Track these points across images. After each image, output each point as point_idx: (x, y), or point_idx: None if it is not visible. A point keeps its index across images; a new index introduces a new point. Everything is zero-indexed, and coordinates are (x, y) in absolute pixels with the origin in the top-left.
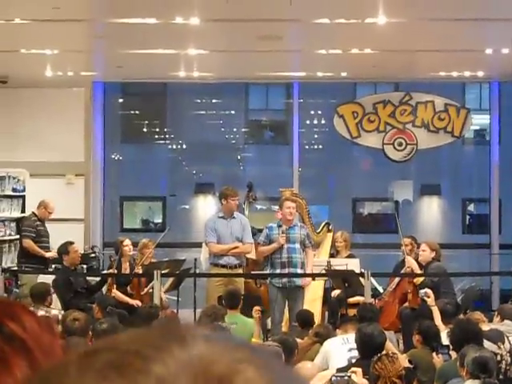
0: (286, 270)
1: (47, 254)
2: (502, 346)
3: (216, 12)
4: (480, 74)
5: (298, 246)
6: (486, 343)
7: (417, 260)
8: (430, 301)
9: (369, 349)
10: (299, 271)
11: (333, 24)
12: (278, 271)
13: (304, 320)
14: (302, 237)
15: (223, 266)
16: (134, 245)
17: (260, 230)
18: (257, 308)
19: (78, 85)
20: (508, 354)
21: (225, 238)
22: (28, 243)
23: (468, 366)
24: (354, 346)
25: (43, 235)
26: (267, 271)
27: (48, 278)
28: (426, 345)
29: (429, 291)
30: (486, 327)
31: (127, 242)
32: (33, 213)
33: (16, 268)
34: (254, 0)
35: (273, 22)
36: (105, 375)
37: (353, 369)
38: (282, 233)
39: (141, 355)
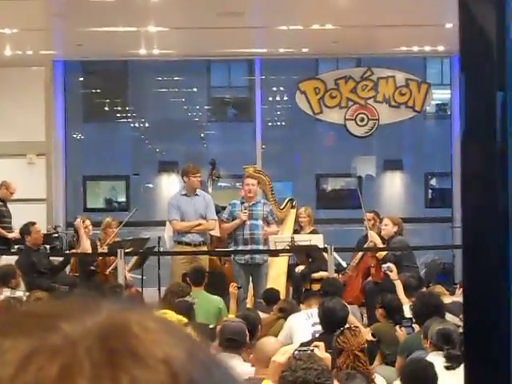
0: (249, 247)
1: (9, 235)
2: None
3: None
4: (440, 48)
5: (260, 222)
6: (448, 316)
7: (379, 235)
8: (393, 275)
9: (331, 323)
10: (261, 247)
11: None
12: (240, 248)
13: (270, 297)
14: (265, 213)
15: (187, 244)
16: (97, 224)
17: (224, 208)
18: (233, 284)
19: (38, 64)
20: None
21: (188, 215)
22: None
23: (432, 338)
24: (318, 320)
25: (5, 216)
26: (231, 248)
27: (11, 259)
28: (388, 318)
29: (391, 265)
30: (448, 300)
31: (87, 221)
32: None
33: None
34: None
35: None
36: (7, 332)
37: (315, 343)
38: (245, 209)
39: (50, 317)
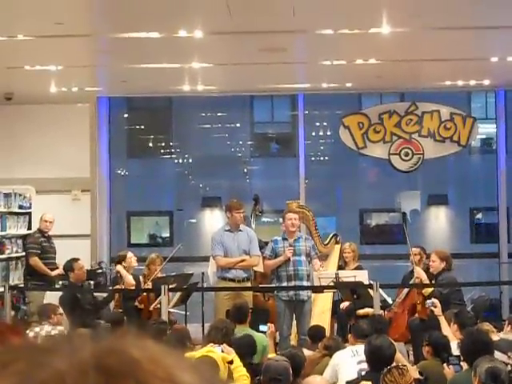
0: (293, 283)
1: (53, 273)
2: None
3: (219, 25)
4: (486, 82)
5: (303, 258)
6: (497, 354)
7: (427, 270)
8: (437, 311)
9: (378, 361)
10: (305, 284)
11: (337, 35)
12: (284, 284)
13: (315, 334)
14: (308, 248)
15: (231, 280)
16: (141, 260)
17: (267, 243)
18: (270, 324)
19: (83, 100)
20: None
21: (232, 251)
22: (34, 261)
23: (480, 377)
24: (364, 357)
25: (49, 251)
26: (274, 284)
27: (55, 295)
28: (436, 356)
29: (435, 301)
30: (495, 337)
31: (130, 254)
32: (38, 229)
33: (23, 285)
34: (257, 12)
35: (276, 34)
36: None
37: (363, 382)
38: (290, 246)
39: (41, 352)
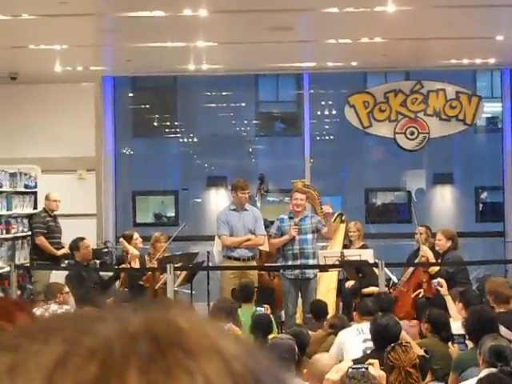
0: (298, 262)
1: (59, 253)
2: None
3: (224, 3)
4: (491, 61)
5: (309, 236)
6: (502, 330)
7: (432, 249)
8: (443, 290)
9: (384, 340)
10: (311, 262)
11: (342, 13)
12: (290, 263)
13: (317, 311)
14: (314, 225)
15: (236, 259)
16: (146, 239)
17: (272, 222)
18: (266, 306)
19: (88, 80)
20: None
21: (237, 230)
22: (40, 240)
23: (484, 355)
24: (369, 336)
25: (54, 231)
26: (280, 263)
27: (61, 274)
28: (434, 333)
29: (441, 281)
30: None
31: (136, 235)
32: (43, 209)
33: (29, 265)
34: None
35: (282, 13)
36: (38, 336)
37: (370, 360)
38: (295, 225)
39: (84, 320)
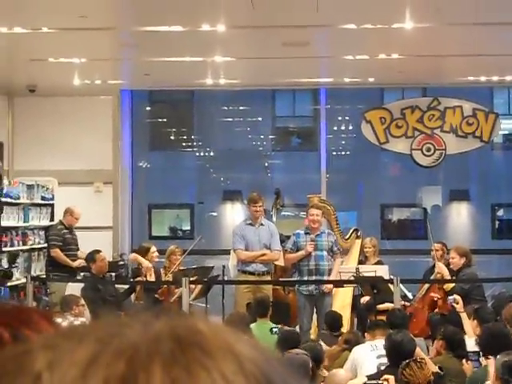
0: (314, 278)
1: (74, 264)
2: None
3: (242, 19)
4: (508, 78)
5: (325, 253)
6: None
7: (448, 266)
8: (459, 307)
9: (398, 356)
10: (326, 278)
11: (359, 29)
12: (305, 278)
13: (332, 322)
14: (330, 244)
15: (251, 273)
16: (162, 252)
17: (288, 237)
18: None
19: (106, 93)
20: None
21: (253, 244)
22: (56, 252)
23: (498, 371)
24: (383, 352)
25: (70, 243)
26: (295, 278)
27: (77, 286)
28: (449, 351)
29: (457, 297)
30: None
31: (153, 248)
32: (60, 221)
33: (45, 276)
34: (280, 6)
35: (299, 29)
36: (72, 337)
37: (385, 376)
38: (311, 241)
39: (112, 325)
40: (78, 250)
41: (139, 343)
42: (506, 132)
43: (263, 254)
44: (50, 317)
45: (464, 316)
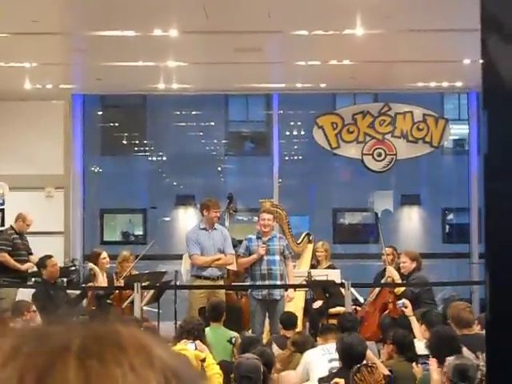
0: (266, 282)
1: (23, 267)
2: (480, 356)
3: (195, 24)
4: (458, 84)
5: (277, 257)
6: (465, 351)
7: (398, 270)
8: (408, 311)
9: (350, 358)
10: (279, 283)
11: (311, 35)
12: (258, 283)
13: (287, 321)
14: (281, 248)
15: (206, 278)
16: (114, 257)
17: (240, 242)
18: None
19: (57, 97)
20: (484, 365)
21: (208, 249)
22: (3, 257)
23: (448, 374)
24: (335, 356)
25: (20, 248)
26: (248, 283)
27: (28, 292)
28: (400, 354)
29: (406, 302)
30: (469, 332)
31: (104, 254)
32: (10, 226)
33: None
34: (232, 12)
35: (251, 34)
36: None
37: (336, 379)
38: (263, 243)
39: (36, 328)
40: (29, 255)
41: (59, 340)
42: (456, 137)
43: (218, 259)
44: (5, 321)
45: (413, 320)
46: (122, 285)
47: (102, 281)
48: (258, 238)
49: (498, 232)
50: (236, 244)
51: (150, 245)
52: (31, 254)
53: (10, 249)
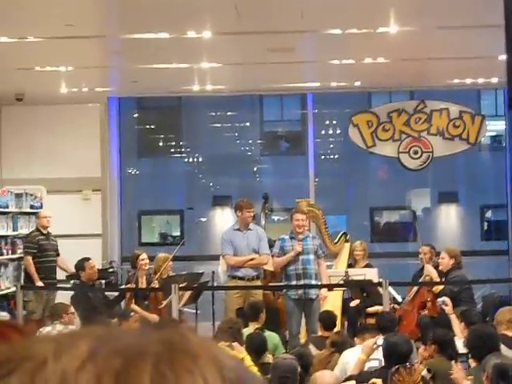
0: (302, 282)
1: (37, 283)
2: None
3: (228, 25)
4: (494, 80)
5: (312, 256)
6: (503, 349)
7: (436, 268)
8: (448, 309)
9: (394, 358)
10: (314, 282)
11: (345, 34)
12: (293, 283)
13: (326, 321)
14: (315, 247)
15: (240, 278)
16: (152, 259)
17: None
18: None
19: (93, 101)
20: None
21: (241, 249)
22: (27, 261)
23: (489, 373)
24: (373, 356)
25: (47, 249)
26: (284, 283)
27: (67, 294)
28: (441, 353)
29: (446, 299)
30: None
31: (143, 256)
32: (36, 228)
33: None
34: (265, 13)
35: (284, 34)
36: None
37: (373, 380)
38: (299, 241)
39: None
40: (57, 255)
41: (134, 344)
42: (494, 133)
43: (252, 259)
44: (24, 329)
45: (453, 318)
46: (157, 286)
47: (142, 282)
48: (292, 237)
49: None
50: (272, 244)
51: (180, 244)
52: (59, 254)
53: (36, 251)
